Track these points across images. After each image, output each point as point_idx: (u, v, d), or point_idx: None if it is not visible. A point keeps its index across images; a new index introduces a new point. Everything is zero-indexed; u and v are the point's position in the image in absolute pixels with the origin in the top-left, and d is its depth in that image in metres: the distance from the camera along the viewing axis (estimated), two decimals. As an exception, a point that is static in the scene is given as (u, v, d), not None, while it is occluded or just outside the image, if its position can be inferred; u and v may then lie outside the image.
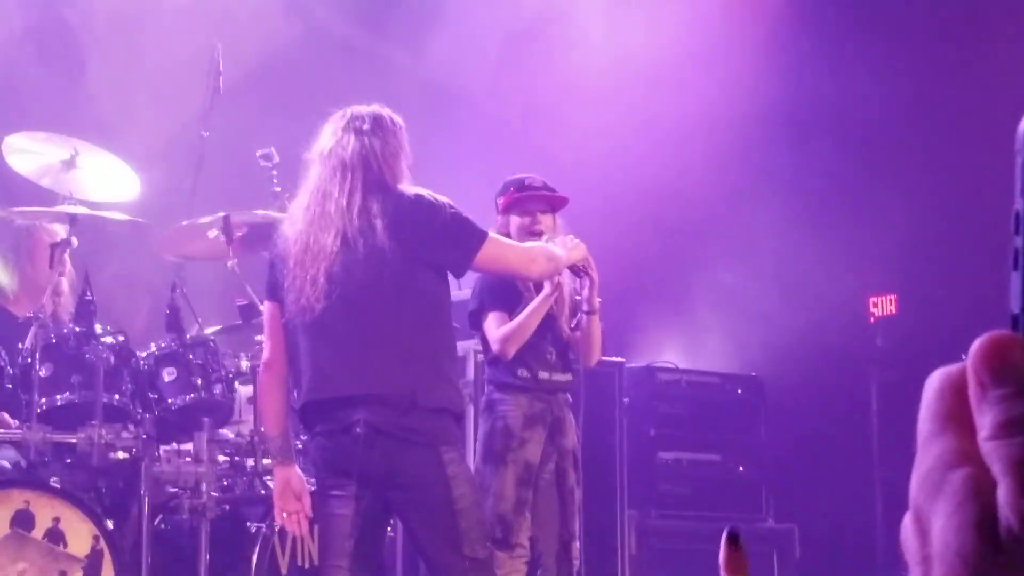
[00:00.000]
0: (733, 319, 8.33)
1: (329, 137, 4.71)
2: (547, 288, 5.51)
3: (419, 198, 4.63)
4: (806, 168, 8.48)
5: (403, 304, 4.61)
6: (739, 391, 7.47)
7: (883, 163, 8.41)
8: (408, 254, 4.58)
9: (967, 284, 7.88)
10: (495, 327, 5.64)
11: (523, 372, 5.89)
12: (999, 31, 8.02)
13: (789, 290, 8.23)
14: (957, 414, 0.62)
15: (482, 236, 4.71)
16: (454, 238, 4.67)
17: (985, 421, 0.60)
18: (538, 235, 5.83)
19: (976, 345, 0.61)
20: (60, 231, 5.92)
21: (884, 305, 8.28)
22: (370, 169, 4.62)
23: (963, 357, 0.65)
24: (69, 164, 5.99)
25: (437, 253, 4.68)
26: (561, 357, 5.99)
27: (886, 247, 8.13)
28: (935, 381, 0.63)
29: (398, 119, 4.78)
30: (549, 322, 5.92)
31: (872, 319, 8.29)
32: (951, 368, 0.63)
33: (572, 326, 6.06)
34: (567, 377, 5.97)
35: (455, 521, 4.55)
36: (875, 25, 8.51)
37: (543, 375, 5.92)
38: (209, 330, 6.35)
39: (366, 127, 4.69)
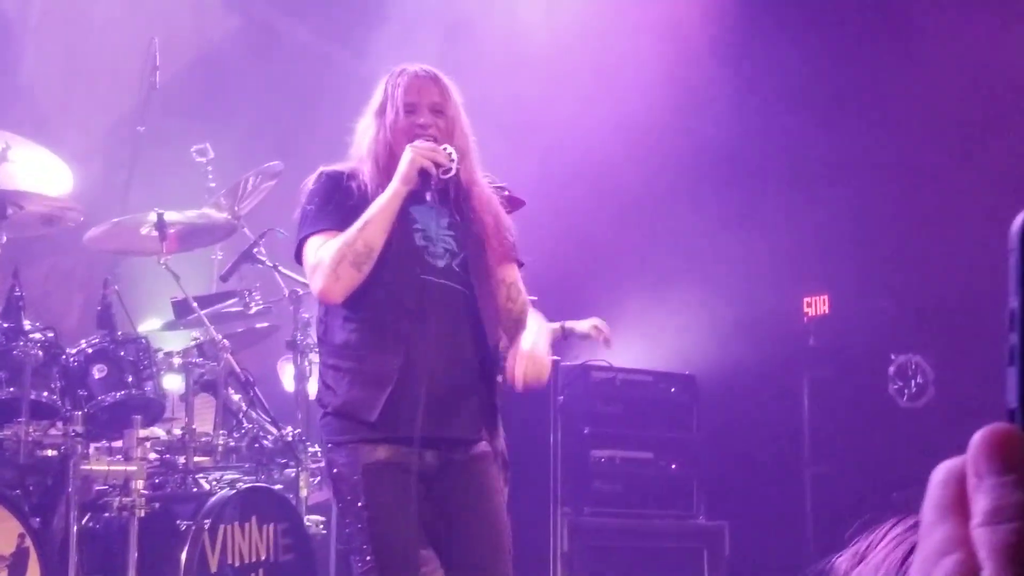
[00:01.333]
0: (668, 318, 8.29)
1: None
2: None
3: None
4: (742, 170, 8.47)
5: None
6: (672, 389, 7.43)
7: (816, 168, 8.42)
8: None
9: (896, 285, 7.92)
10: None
11: None
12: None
13: (724, 289, 8.21)
14: (957, 504, 0.63)
15: (302, 238, 4.31)
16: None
17: (977, 508, 0.61)
18: None
19: (977, 436, 0.62)
20: None
21: (817, 305, 8.29)
22: None
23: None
24: (0, 158, 5.84)
25: None
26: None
27: (820, 248, 8.14)
28: (939, 473, 0.64)
29: (382, 83, 4.41)
30: None
31: (805, 319, 8.29)
32: (954, 460, 0.64)
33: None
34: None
35: None
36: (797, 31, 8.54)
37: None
38: (142, 327, 6.19)
39: None
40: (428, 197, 4.10)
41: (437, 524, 4.19)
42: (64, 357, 5.74)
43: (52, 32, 8.33)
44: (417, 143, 4.15)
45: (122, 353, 5.82)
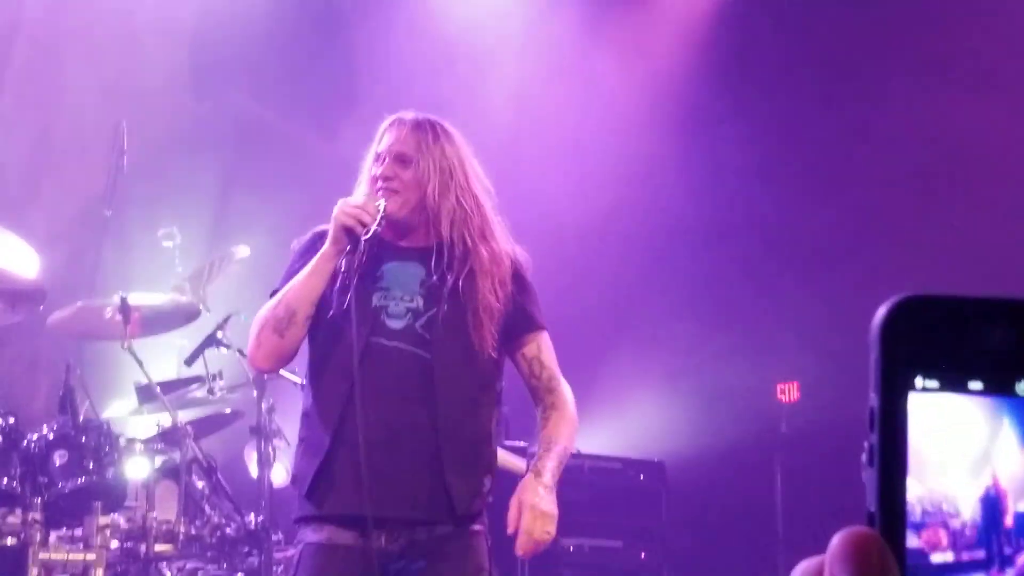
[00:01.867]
0: (637, 403, 8.29)
1: None
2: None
3: None
4: (714, 253, 8.51)
5: None
6: (641, 476, 7.37)
7: (789, 252, 8.46)
8: None
9: (867, 371, 7.93)
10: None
11: None
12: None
13: (695, 375, 8.22)
14: None
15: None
16: None
17: None
18: None
19: (835, 539, 0.62)
20: None
21: (790, 392, 8.29)
22: None
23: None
24: (-35, 242, 5.73)
25: None
26: None
27: (791, 335, 8.17)
28: (797, 572, 0.64)
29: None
30: None
31: (779, 404, 8.29)
32: (812, 560, 0.64)
33: None
34: None
35: None
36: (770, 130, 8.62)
37: None
38: (106, 412, 6.16)
39: None
40: (356, 261, 3.77)
41: None
42: (24, 442, 5.60)
43: (21, 114, 8.28)
44: (347, 199, 3.84)
45: (83, 439, 5.65)
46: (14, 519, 5.41)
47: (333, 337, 3.79)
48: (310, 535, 3.74)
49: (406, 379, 3.76)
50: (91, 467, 5.63)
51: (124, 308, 5.74)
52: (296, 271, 3.86)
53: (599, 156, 8.85)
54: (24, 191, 7.87)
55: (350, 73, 9.09)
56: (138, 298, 5.80)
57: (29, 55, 8.32)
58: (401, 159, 3.85)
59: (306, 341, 3.88)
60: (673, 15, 9.25)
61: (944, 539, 0.63)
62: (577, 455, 7.28)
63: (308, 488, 3.71)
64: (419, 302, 3.79)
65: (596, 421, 8.16)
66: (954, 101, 7.79)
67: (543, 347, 3.97)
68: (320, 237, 3.85)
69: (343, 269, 3.78)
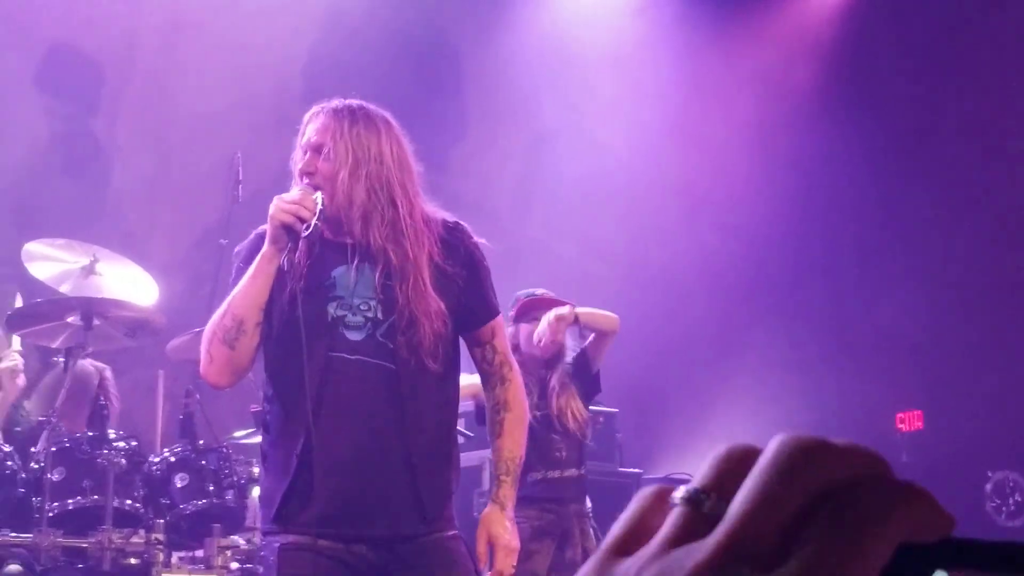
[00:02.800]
0: (756, 431, 8.27)
1: None
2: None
3: None
4: (835, 282, 8.50)
5: None
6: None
7: (906, 281, 8.43)
8: None
9: (993, 401, 7.85)
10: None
11: (534, 475, 5.79)
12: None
13: (814, 403, 8.20)
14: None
15: None
16: None
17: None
18: (546, 357, 5.91)
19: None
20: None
21: (911, 421, 8.24)
22: None
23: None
24: (88, 270, 6.00)
25: None
26: (570, 452, 5.92)
27: (913, 365, 8.13)
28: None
29: None
30: (550, 424, 5.87)
31: (898, 435, 8.25)
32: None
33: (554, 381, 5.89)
34: (579, 473, 5.91)
35: None
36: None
37: (552, 474, 5.87)
38: (225, 437, 6.30)
39: None
40: (300, 261, 3.56)
41: None
42: (146, 465, 5.81)
43: (139, 149, 8.50)
44: (283, 195, 3.60)
45: (203, 462, 5.86)
46: (138, 539, 5.54)
47: (288, 350, 3.61)
48: (283, 538, 3.60)
49: (372, 393, 3.63)
50: (211, 490, 5.84)
51: None
52: (241, 277, 3.67)
53: (709, 182, 8.90)
54: (143, 221, 8.07)
55: (458, 105, 9.23)
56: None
57: (146, 89, 8.59)
58: (317, 149, 3.61)
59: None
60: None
61: None
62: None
63: (276, 511, 3.60)
64: (377, 310, 3.62)
65: (711, 448, 8.20)
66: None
67: (496, 332, 3.80)
68: (261, 238, 3.65)
69: (286, 270, 3.59)
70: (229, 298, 3.57)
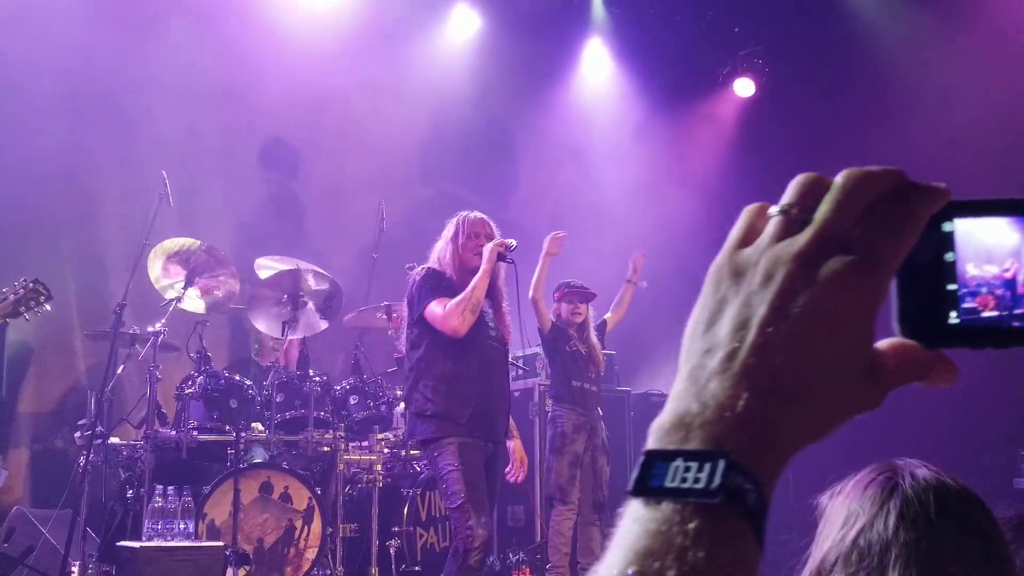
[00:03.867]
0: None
1: None
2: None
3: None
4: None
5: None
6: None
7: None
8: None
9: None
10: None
11: (576, 383, 6.94)
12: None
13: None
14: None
15: (430, 301, 5.27)
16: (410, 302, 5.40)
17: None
18: (578, 322, 7.08)
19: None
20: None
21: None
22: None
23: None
24: (295, 282, 6.94)
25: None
26: (596, 375, 7.08)
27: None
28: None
29: (454, 223, 5.52)
30: (587, 355, 7.01)
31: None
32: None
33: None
34: (596, 388, 7.07)
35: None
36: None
37: (588, 386, 7.00)
38: (378, 372, 7.43)
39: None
40: (506, 265, 5.29)
41: (489, 485, 5.23)
42: (333, 391, 6.95)
43: (321, 200, 9.70)
44: (489, 244, 5.33)
45: (367, 388, 7.05)
46: (328, 436, 6.75)
47: (470, 336, 5.21)
48: (458, 440, 5.17)
49: (499, 360, 5.42)
50: (371, 405, 7.01)
51: (388, 311, 7.28)
52: (445, 285, 5.26)
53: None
54: (326, 245, 9.25)
55: (512, 161, 10.38)
56: (396, 305, 7.05)
57: (327, 161, 9.73)
58: (488, 236, 5.50)
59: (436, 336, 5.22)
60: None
61: (991, 303, 0.73)
62: (664, 395, 8.16)
63: (467, 419, 5.10)
64: (493, 319, 5.44)
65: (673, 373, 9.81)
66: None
67: None
68: (434, 271, 5.31)
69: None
70: (470, 291, 5.17)
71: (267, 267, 7.34)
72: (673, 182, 10.62)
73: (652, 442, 0.68)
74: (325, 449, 6.79)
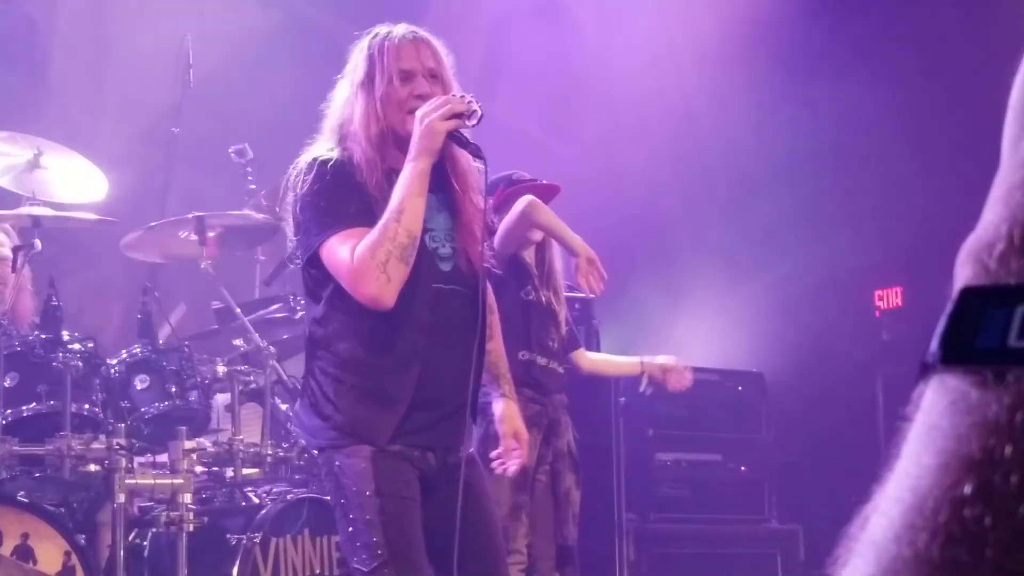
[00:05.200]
0: (733, 314, 8.38)
1: None
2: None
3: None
4: (809, 162, 8.55)
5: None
6: (740, 388, 7.48)
7: (883, 158, 8.47)
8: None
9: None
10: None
11: (523, 355, 5.85)
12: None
13: (791, 284, 8.28)
14: None
15: (323, 239, 4.18)
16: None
17: None
18: (536, 240, 5.99)
19: None
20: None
21: (890, 298, 8.30)
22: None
23: None
24: (33, 164, 6.00)
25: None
26: (559, 341, 6.05)
27: (891, 239, 8.18)
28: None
29: (362, 50, 4.27)
30: (551, 312, 6.00)
31: (877, 313, 8.32)
32: None
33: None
34: (562, 369, 6.05)
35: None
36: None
37: (541, 361, 5.95)
38: (183, 335, 6.36)
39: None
40: (464, 153, 3.99)
41: (437, 529, 4.16)
42: (105, 368, 5.83)
43: (80, 33, 8.49)
44: (423, 108, 3.94)
45: (164, 363, 5.91)
46: (98, 445, 5.52)
47: (415, 269, 3.98)
48: (394, 448, 4.03)
49: (464, 321, 4.10)
50: (174, 391, 5.91)
51: (200, 227, 5.87)
52: (353, 193, 3.98)
53: (691, 68, 8.94)
54: (87, 111, 8.08)
55: None
56: (213, 216, 5.93)
57: None
58: (432, 74, 4.04)
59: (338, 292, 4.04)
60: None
61: None
62: None
63: (388, 439, 4.01)
64: (455, 239, 4.10)
65: (691, 331, 8.21)
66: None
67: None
68: (338, 168, 4.02)
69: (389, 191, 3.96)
70: (394, 215, 3.84)
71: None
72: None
73: (968, 275, 0.59)
74: (93, 468, 5.72)
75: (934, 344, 0.62)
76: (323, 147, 4.11)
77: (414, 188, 3.90)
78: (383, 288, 3.91)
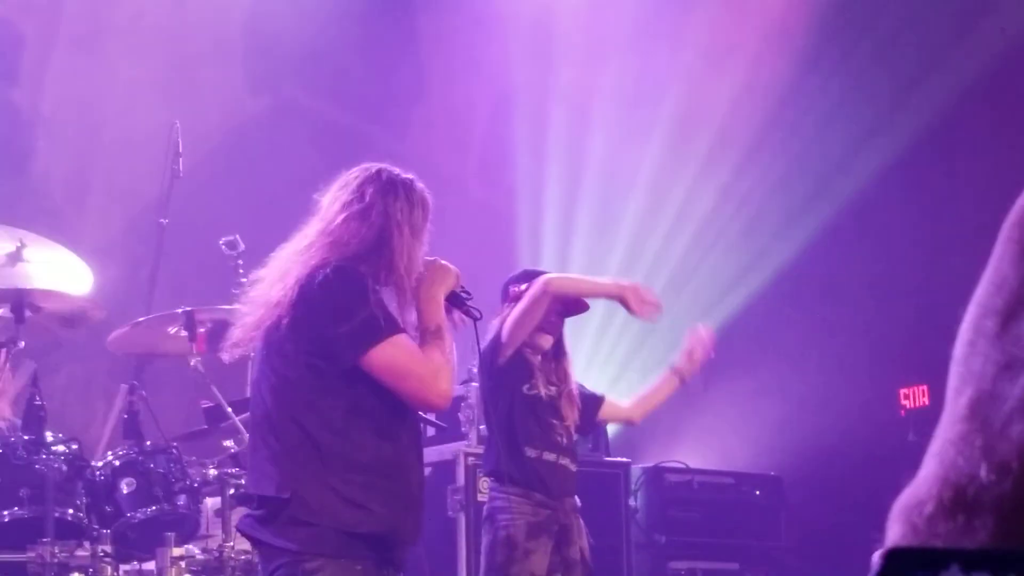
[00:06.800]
0: (749, 414, 8.39)
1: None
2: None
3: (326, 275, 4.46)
4: (830, 258, 8.61)
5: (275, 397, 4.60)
6: (757, 492, 7.49)
7: (907, 252, 8.55)
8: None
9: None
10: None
11: (530, 451, 5.92)
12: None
13: (812, 383, 8.30)
14: None
15: (389, 335, 4.45)
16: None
17: None
18: (546, 347, 6.12)
19: None
20: None
21: (916, 397, 8.33)
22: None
23: None
24: (15, 257, 6.02)
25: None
26: (568, 439, 6.08)
27: (916, 335, 8.22)
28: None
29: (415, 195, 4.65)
30: (555, 408, 6.05)
31: (903, 412, 8.34)
32: None
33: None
34: (574, 467, 6.07)
35: None
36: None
37: (556, 458, 5.97)
38: (172, 437, 6.34)
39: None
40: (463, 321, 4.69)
41: None
42: (89, 471, 5.86)
43: (65, 120, 8.60)
44: (448, 265, 4.57)
45: (152, 465, 5.95)
46: (82, 552, 5.62)
47: (400, 402, 4.48)
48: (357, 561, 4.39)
49: (418, 434, 4.75)
50: (161, 495, 5.92)
51: (189, 323, 5.96)
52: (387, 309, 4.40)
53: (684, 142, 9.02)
54: (72, 201, 8.13)
55: (416, 66, 9.42)
56: (203, 311, 5.98)
57: (70, 55, 8.65)
58: None
59: (363, 395, 4.41)
60: None
61: None
62: (684, 470, 7.44)
63: (397, 539, 4.42)
64: None
65: (705, 432, 8.24)
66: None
67: None
68: (368, 280, 4.42)
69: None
70: (445, 346, 4.46)
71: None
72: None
73: (897, 534, 0.61)
74: (76, 577, 5.86)
75: None
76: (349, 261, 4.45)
77: (445, 325, 4.57)
78: (447, 399, 4.70)
